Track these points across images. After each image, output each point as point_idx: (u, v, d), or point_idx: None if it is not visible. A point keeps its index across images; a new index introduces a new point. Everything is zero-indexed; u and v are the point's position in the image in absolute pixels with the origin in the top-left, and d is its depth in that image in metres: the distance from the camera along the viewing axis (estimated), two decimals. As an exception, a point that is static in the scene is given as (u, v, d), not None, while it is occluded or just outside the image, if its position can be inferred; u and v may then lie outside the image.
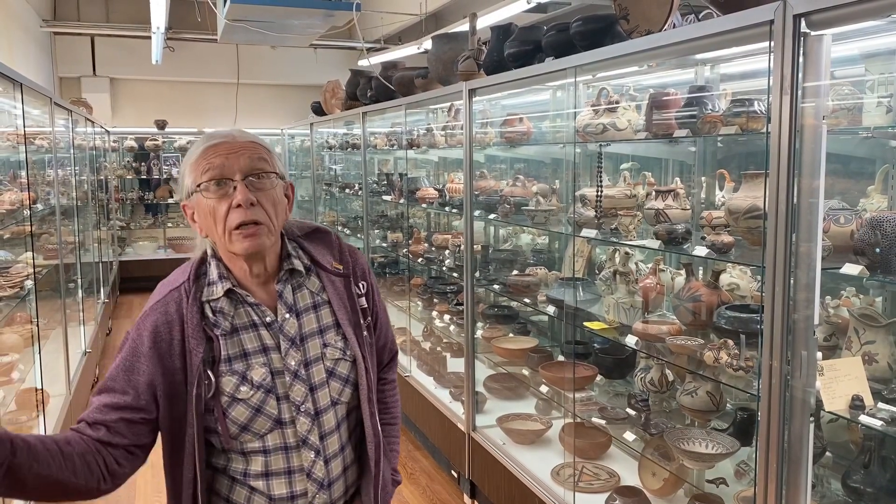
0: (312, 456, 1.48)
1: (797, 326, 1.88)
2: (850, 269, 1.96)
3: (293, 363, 1.47)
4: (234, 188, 1.40)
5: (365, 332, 1.59)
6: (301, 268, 1.53)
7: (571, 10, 6.10)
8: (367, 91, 5.49)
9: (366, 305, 1.62)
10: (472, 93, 3.68)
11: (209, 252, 1.51)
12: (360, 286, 1.61)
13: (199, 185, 1.41)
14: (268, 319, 1.48)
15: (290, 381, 1.47)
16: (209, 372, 1.41)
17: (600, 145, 3.07)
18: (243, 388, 1.43)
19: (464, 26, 4.18)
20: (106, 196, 9.03)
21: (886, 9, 1.67)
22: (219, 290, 1.45)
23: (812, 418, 1.90)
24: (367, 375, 1.56)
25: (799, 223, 1.85)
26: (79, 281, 5.69)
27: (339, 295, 1.56)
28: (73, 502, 1.48)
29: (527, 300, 3.71)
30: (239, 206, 1.39)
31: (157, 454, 1.49)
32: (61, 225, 4.77)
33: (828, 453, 2.34)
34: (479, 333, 4.15)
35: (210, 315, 1.45)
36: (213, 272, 1.48)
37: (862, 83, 2.34)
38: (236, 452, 1.48)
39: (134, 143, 10.25)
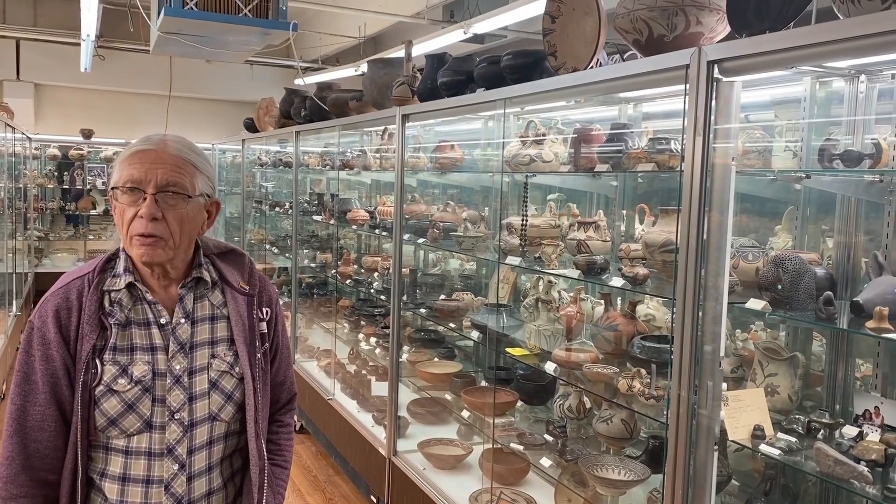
0: (175, 468, 1.47)
1: (705, 358, 1.96)
2: (755, 304, 2.06)
3: (178, 367, 1.49)
4: (145, 199, 1.43)
5: (259, 355, 1.59)
6: (208, 279, 1.57)
7: (507, 43, 6.23)
8: (302, 110, 5.47)
9: (265, 331, 1.63)
10: (405, 118, 3.71)
11: (122, 245, 1.54)
12: (264, 311, 1.64)
13: (115, 187, 1.46)
14: (162, 321, 1.50)
15: (171, 385, 1.47)
16: (97, 360, 1.44)
17: (527, 176, 3.14)
18: (121, 381, 1.44)
19: (400, 52, 4.22)
20: (24, 205, 8.66)
21: (792, 60, 1.79)
22: (121, 282, 1.50)
23: (716, 447, 1.97)
24: (255, 397, 1.55)
25: (708, 258, 1.94)
26: (-12, 292, 5.44)
27: (240, 313, 1.58)
28: None
29: (452, 325, 3.73)
30: (142, 217, 1.43)
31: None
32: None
33: (733, 481, 2.42)
34: (404, 357, 4.15)
35: (107, 305, 1.48)
36: (121, 265, 1.52)
37: (772, 128, 2.48)
38: (99, 448, 1.47)
39: (57, 152, 9.87)
